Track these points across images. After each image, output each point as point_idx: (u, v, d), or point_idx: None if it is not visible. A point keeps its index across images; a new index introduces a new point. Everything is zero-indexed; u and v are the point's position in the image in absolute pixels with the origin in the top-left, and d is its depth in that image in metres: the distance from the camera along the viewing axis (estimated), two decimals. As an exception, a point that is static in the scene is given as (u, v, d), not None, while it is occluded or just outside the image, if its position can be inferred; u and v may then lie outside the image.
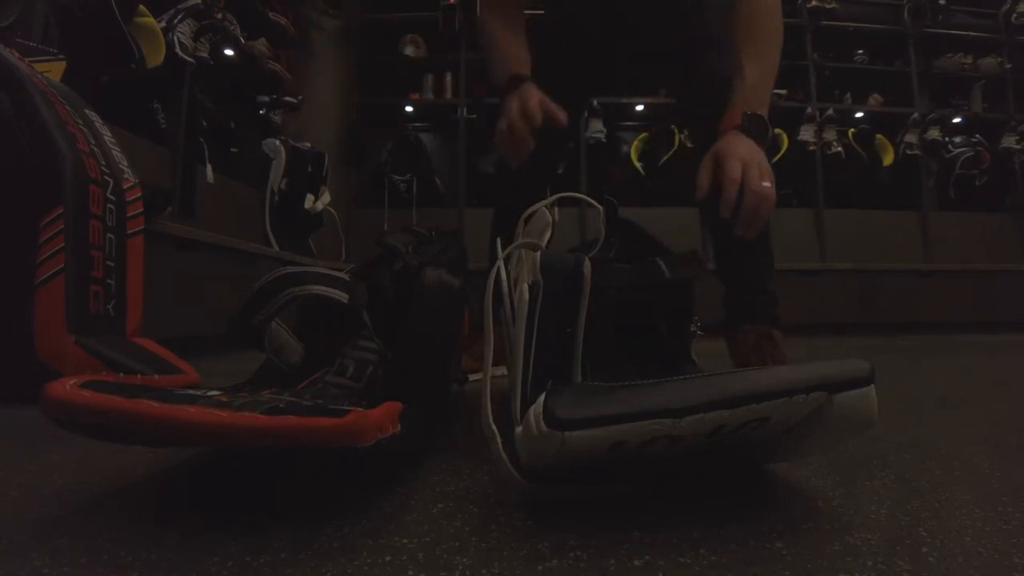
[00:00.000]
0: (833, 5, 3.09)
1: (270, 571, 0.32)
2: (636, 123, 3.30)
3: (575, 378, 0.49)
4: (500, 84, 0.87)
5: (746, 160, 0.73)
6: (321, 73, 3.01)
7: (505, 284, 0.57)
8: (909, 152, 3.16)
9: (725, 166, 0.73)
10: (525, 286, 0.50)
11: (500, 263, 0.60)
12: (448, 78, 3.20)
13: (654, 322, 0.60)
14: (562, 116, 0.76)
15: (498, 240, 0.70)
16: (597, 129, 3.06)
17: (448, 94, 3.21)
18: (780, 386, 0.37)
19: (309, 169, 2.61)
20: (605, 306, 0.59)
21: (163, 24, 1.77)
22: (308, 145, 2.67)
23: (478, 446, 0.58)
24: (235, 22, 2.26)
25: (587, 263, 0.51)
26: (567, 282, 0.50)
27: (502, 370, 0.54)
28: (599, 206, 0.65)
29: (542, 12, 1.18)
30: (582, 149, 3.05)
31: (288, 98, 2.66)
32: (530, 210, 0.66)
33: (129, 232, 0.98)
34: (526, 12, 1.01)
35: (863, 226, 3.12)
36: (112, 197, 0.96)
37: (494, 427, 0.43)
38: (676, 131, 3.10)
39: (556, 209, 0.66)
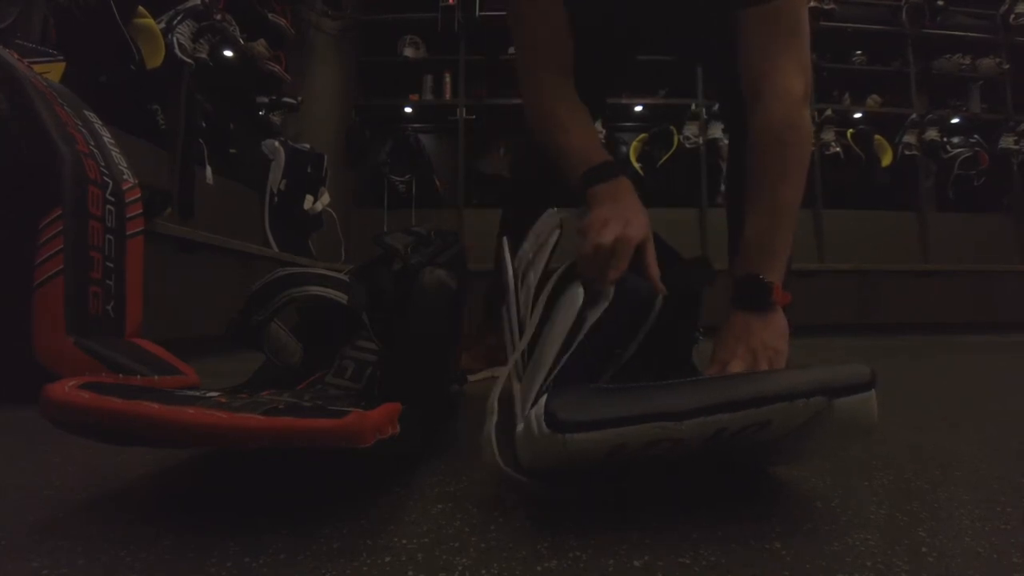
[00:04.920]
0: (831, 6, 3.09)
1: (269, 572, 0.32)
2: (635, 124, 3.31)
3: None
4: (578, 171, 0.68)
5: (748, 362, 0.59)
6: (320, 74, 3.01)
7: (512, 284, 0.57)
8: (907, 152, 3.17)
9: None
10: (580, 289, 0.50)
11: (507, 262, 0.60)
12: (447, 79, 3.21)
13: (660, 328, 0.60)
14: (658, 282, 0.57)
15: (504, 239, 0.70)
16: (596, 129, 3.06)
17: (447, 95, 3.21)
18: (781, 391, 0.37)
19: (308, 170, 2.61)
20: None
21: (162, 25, 1.77)
22: (307, 146, 2.67)
23: (477, 447, 0.58)
24: (234, 23, 2.26)
25: (660, 299, 0.51)
26: (637, 307, 0.50)
27: (501, 370, 0.54)
28: None
29: None
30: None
31: (287, 99, 2.66)
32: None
33: (128, 233, 0.98)
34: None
35: (861, 226, 3.12)
36: (111, 198, 0.95)
37: (496, 405, 0.43)
38: (675, 132, 3.10)
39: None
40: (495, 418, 0.42)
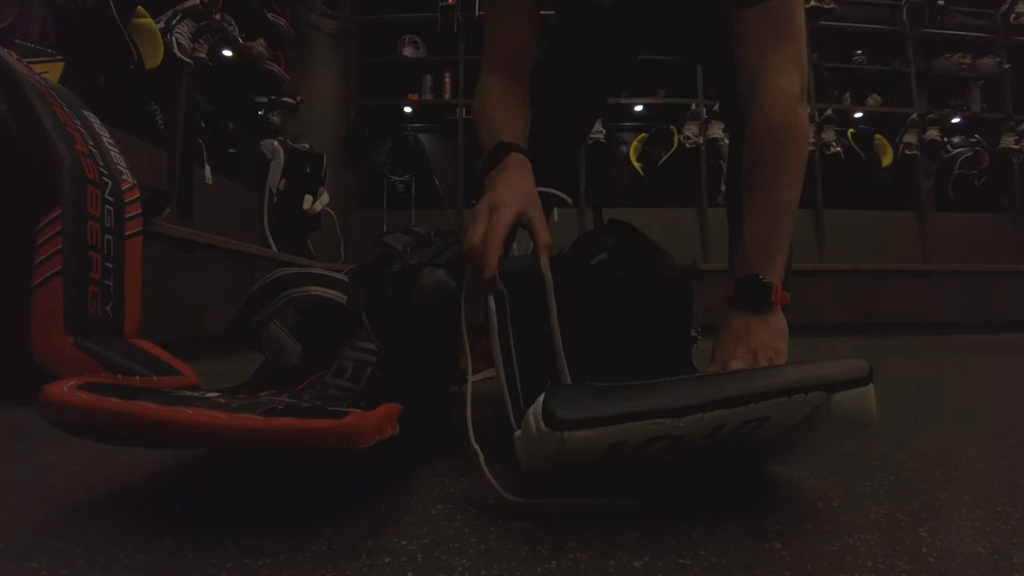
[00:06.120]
0: (831, 5, 3.09)
1: (269, 573, 0.32)
2: (635, 123, 3.31)
3: (564, 377, 0.49)
4: (483, 151, 0.70)
5: (747, 361, 0.59)
6: (319, 74, 3.01)
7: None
8: (908, 152, 3.17)
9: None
10: (490, 296, 0.51)
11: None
12: (447, 79, 3.20)
13: (654, 327, 0.60)
14: (545, 236, 0.58)
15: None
16: (596, 129, 3.06)
17: (447, 95, 3.21)
18: (779, 386, 0.37)
19: (307, 170, 2.61)
20: (604, 308, 0.59)
21: (161, 25, 1.77)
22: (306, 146, 2.67)
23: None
24: (233, 23, 2.26)
25: (544, 261, 0.52)
26: (528, 284, 0.51)
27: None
28: (567, 199, 0.64)
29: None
30: (581, 150, 3.05)
31: (286, 99, 2.66)
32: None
33: (127, 233, 0.98)
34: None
35: (862, 226, 3.12)
36: (110, 198, 0.95)
37: (476, 446, 0.43)
38: (675, 131, 3.10)
39: (556, 211, 0.66)
40: (482, 456, 0.42)
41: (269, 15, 2.53)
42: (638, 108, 3.23)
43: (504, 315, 0.50)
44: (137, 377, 0.78)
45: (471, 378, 0.50)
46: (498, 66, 0.78)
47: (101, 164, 0.97)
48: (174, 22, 1.83)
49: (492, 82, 0.77)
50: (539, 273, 0.51)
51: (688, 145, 3.08)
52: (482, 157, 0.70)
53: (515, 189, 0.62)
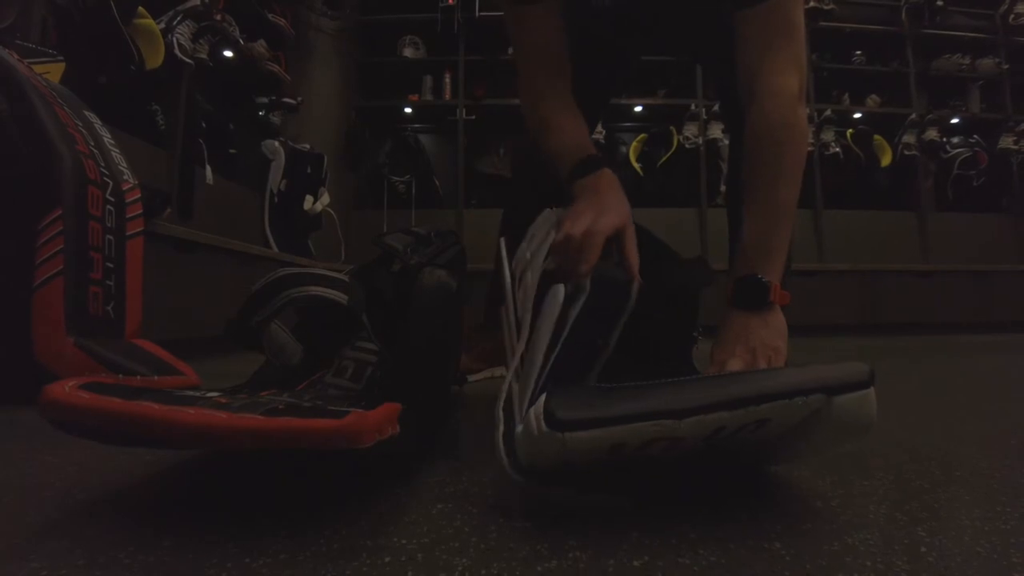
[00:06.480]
0: (831, 6, 3.10)
1: (269, 573, 0.32)
2: (634, 124, 3.31)
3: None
4: (566, 168, 0.70)
5: (746, 360, 0.58)
6: (320, 74, 3.01)
7: (509, 286, 0.57)
8: (907, 153, 3.17)
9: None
10: (561, 287, 0.50)
11: (504, 263, 0.60)
12: (447, 79, 3.21)
13: (656, 327, 0.60)
14: (635, 271, 0.56)
15: (503, 240, 0.70)
16: (595, 130, 3.06)
17: (447, 95, 3.21)
18: (780, 388, 0.37)
19: (308, 170, 2.61)
20: None
21: (162, 25, 1.77)
22: (307, 146, 2.67)
23: (478, 447, 0.58)
24: (234, 23, 2.26)
25: (636, 285, 0.51)
26: (614, 296, 0.50)
27: (501, 371, 0.54)
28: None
29: None
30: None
31: (287, 99, 2.66)
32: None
33: (128, 233, 0.98)
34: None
35: (861, 227, 3.13)
36: (111, 198, 0.95)
37: (502, 414, 0.43)
38: (674, 132, 3.10)
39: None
40: (502, 427, 0.43)
41: (269, 16, 2.54)
42: (638, 108, 3.23)
43: (568, 310, 0.49)
44: (138, 377, 0.78)
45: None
46: (541, 68, 0.77)
47: (102, 164, 0.97)
48: (175, 23, 1.83)
49: (543, 85, 0.77)
50: (627, 291, 0.51)
51: (688, 145, 3.08)
52: (559, 164, 0.71)
53: (622, 205, 0.62)
